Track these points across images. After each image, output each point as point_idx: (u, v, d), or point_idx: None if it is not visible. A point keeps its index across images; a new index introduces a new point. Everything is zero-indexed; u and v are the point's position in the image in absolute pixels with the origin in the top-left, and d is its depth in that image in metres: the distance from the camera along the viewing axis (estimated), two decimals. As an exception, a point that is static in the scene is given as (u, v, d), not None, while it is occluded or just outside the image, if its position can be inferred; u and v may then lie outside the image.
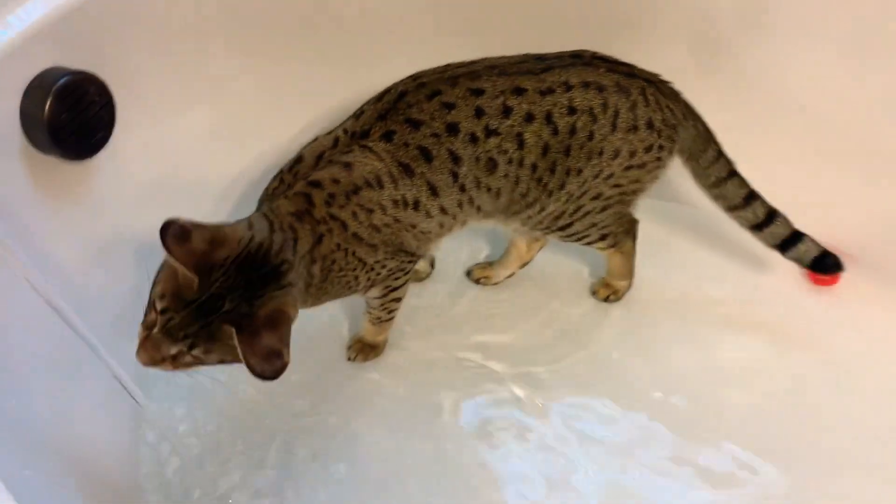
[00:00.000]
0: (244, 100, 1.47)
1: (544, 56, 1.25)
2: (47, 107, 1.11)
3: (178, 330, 1.02)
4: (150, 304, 1.05)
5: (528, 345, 1.59)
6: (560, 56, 1.26)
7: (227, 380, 1.43)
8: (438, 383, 1.53)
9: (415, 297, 1.56)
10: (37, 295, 1.10)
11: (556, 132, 1.23)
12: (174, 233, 1.01)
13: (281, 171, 1.23)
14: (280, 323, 1.03)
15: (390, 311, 1.46)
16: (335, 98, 1.44)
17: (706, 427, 1.46)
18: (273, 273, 1.07)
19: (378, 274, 1.29)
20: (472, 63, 1.25)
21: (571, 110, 1.23)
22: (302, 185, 1.16)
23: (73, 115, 1.15)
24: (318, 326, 1.59)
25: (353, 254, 1.21)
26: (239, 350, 0.98)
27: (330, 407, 1.50)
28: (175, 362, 1.05)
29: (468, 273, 1.70)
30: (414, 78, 1.23)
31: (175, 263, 1.02)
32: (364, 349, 1.55)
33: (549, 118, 1.22)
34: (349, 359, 1.56)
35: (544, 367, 1.56)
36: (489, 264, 1.69)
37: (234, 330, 0.99)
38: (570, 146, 1.25)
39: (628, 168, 1.31)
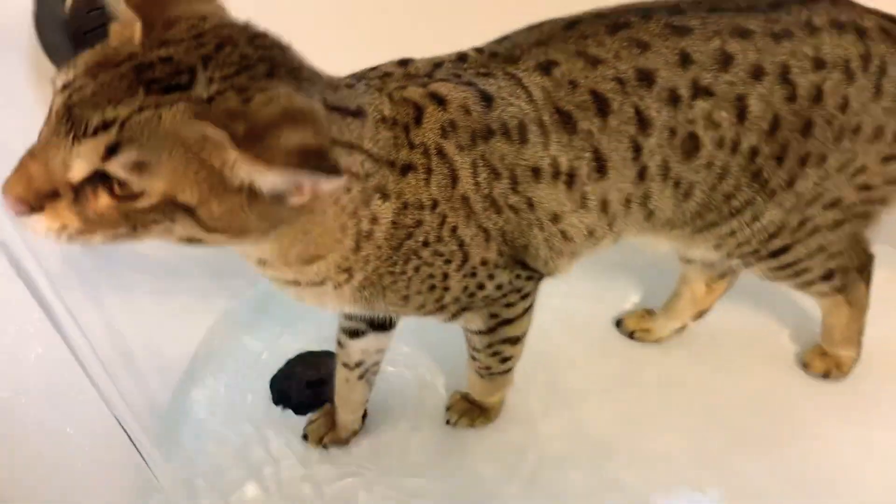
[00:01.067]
0: (335, 48, 1.25)
1: None
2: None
3: (90, 106, 0.66)
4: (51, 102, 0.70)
5: (699, 440, 1.31)
6: None
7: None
8: (561, 480, 1.28)
9: (537, 347, 1.26)
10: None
11: (793, 97, 0.98)
12: None
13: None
14: (306, 119, 0.69)
15: (504, 360, 1.19)
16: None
17: None
18: (290, 71, 0.74)
19: (481, 287, 1.01)
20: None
21: (818, 63, 0.97)
22: (418, 90, 0.90)
23: (105, 16, 0.92)
24: (404, 374, 1.40)
25: (453, 231, 0.92)
26: (239, 161, 0.66)
27: (410, 488, 1.28)
28: (78, 206, 0.67)
29: (618, 324, 1.49)
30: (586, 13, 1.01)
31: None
32: (470, 411, 1.34)
33: (784, 75, 0.97)
34: (448, 422, 1.35)
35: (721, 474, 1.27)
36: (648, 312, 1.47)
37: (222, 133, 0.65)
38: (811, 120, 0.99)
39: (888, 159, 1.05)
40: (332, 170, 0.67)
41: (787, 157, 1.02)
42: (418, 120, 0.88)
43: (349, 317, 1.16)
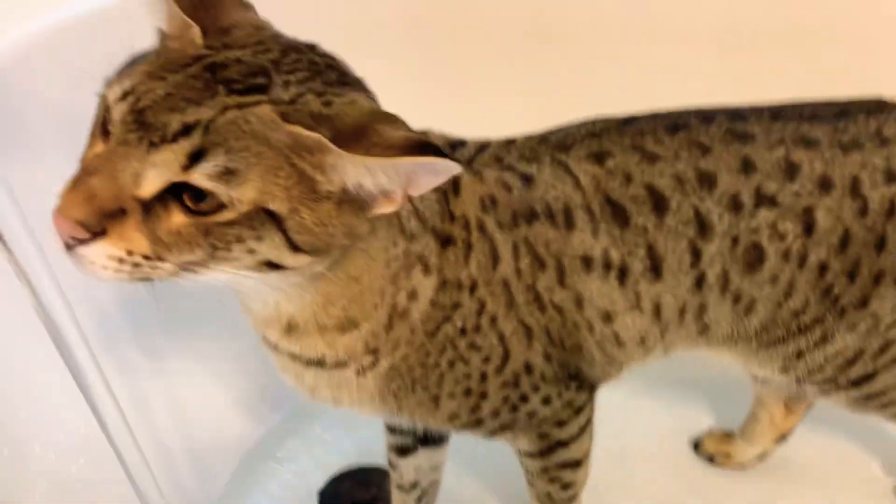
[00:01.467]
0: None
1: (832, 102, 1.00)
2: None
3: (166, 109, 0.60)
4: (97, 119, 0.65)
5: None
6: (857, 102, 0.99)
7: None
8: None
9: (604, 469, 1.19)
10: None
11: (864, 211, 0.94)
12: None
13: None
14: (398, 120, 0.65)
15: (566, 486, 1.09)
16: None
17: None
18: (357, 81, 0.71)
19: (524, 399, 0.93)
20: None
21: (890, 176, 0.94)
22: None
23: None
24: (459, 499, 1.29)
25: (493, 322, 0.86)
26: (343, 161, 0.62)
27: None
28: (148, 225, 0.61)
29: (697, 445, 1.40)
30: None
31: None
32: (535, 544, 1.24)
33: (855, 188, 0.93)
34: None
35: None
36: (728, 435, 1.38)
37: (316, 135, 0.61)
38: (884, 236, 0.95)
39: None
40: (450, 156, 0.61)
41: (858, 275, 0.95)
42: (456, 189, 0.84)
43: (393, 430, 1.11)
